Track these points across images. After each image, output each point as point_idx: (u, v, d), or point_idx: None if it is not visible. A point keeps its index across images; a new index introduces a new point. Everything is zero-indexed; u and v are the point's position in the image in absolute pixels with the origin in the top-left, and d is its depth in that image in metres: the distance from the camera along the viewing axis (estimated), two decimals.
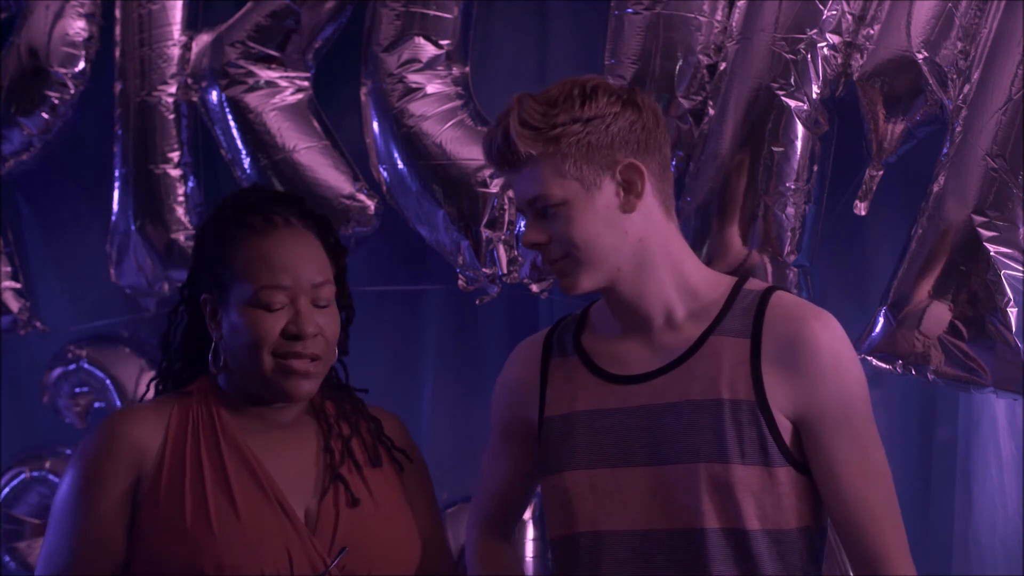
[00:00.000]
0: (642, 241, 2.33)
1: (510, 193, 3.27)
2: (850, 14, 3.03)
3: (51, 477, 3.86)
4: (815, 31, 3.01)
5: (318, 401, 2.43)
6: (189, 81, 3.63)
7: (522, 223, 3.22)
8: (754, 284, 2.39)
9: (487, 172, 3.27)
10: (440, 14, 3.37)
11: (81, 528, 2.32)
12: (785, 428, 2.31)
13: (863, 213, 3.04)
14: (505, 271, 3.28)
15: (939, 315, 2.86)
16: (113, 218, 3.72)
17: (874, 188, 3.02)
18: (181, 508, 2.28)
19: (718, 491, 2.28)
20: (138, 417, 2.36)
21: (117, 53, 3.72)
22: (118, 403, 3.79)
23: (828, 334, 2.32)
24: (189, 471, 2.30)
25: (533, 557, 3.32)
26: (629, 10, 3.15)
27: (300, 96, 3.53)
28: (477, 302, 3.34)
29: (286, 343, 2.31)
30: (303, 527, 2.30)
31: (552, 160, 2.29)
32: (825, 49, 3.02)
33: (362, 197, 3.45)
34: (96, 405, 3.86)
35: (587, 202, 2.30)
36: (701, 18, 3.12)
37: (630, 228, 2.32)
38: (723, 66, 3.10)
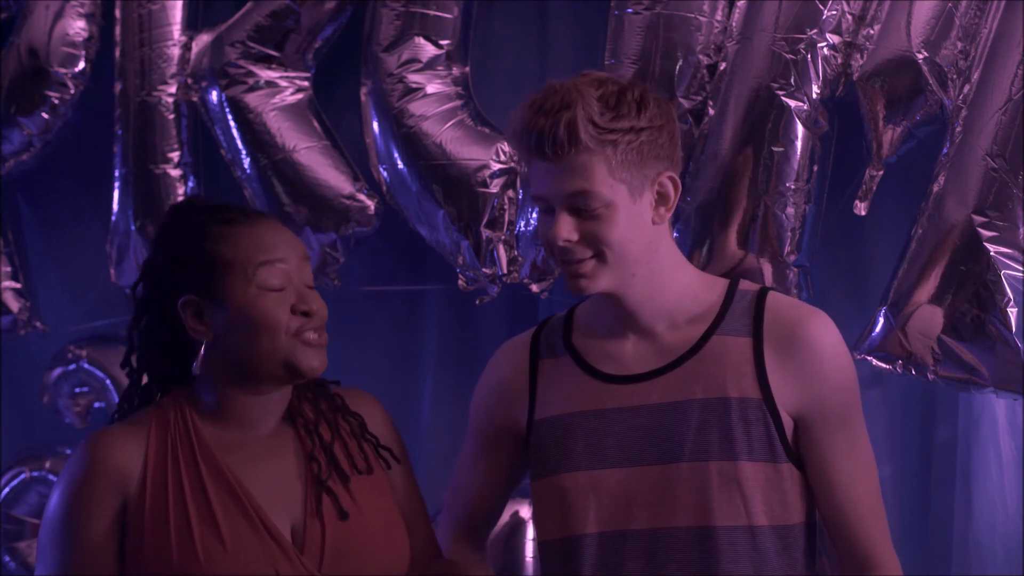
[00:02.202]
0: (657, 250, 2.36)
1: (510, 193, 3.27)
2: (850, 14, 3.03)
3: (51, 477, 3.85)
4: (815, 31, 3.01)
5: (295, 403, 2.38)
6: (189, 81, 3.63)
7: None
8: (747, 285, 2.42)
9: (487, 172, 3.27)
10: (440, 14, 3.37)
11: (70, 556, 2.28)
12: (788, 425, 2.34)
13: (863, 213, 3.03)
14: (505, 271, 3.28)
15: (939, 315, 2.86)
16: (113, 218, 3.72)
17: (874, 188, 3.02)
18: (167, 540, 2.24)
19: (728, 489, 2.31)
20: (117, 440, 2.30)
21: (117, 53, 3.72)
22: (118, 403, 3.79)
23: (826, 332, 2.37)
24: (172, 499, 2.26)
25: (533, 557, 3.32)
26: (629, 10, 3.15)
27: (300, 96, 3.53)
28: (477, 302, 3.34)
29: (298, 320, 2.29)
30: (290, 547, 2.27)
31: (607, 160, 2.29)
32: (825, 49, 3.02)
33: (362, 197, 3.45)
34: (96, 405, 3.85)
35: (630, 207, 2.31)
36: (701, 18, 3.12)
37: (651, 236, 2.34)
38: (723, 66, 3.10)
